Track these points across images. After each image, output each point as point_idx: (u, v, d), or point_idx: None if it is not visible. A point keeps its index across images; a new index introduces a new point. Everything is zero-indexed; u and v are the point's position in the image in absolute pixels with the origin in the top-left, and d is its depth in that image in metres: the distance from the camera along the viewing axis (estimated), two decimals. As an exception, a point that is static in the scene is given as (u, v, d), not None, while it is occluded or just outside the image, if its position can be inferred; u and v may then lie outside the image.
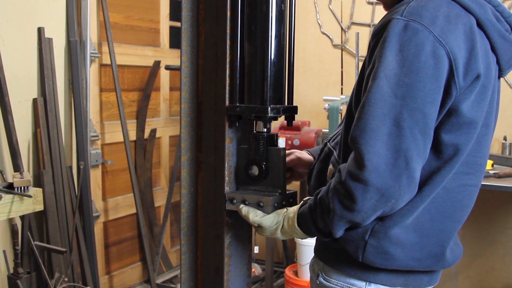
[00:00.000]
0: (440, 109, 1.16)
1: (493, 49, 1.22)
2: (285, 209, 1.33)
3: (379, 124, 1.10)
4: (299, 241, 3.28)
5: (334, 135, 1.45)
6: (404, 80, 1.11)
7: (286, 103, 1.41)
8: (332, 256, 1.30)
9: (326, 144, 1.46)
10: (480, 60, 1.16)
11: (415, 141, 1.11)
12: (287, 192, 1.38)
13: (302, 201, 1.32)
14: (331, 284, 1.31)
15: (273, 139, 1.37)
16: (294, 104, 1.42)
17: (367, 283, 1.27)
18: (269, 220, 1.33)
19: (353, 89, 1.30)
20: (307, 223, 1.26)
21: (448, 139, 1.19)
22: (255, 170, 1.36)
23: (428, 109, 1.12)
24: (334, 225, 1.19)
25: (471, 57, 1.15)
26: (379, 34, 1.17)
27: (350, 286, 1.28)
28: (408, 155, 1.10)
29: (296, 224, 1.28)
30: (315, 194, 1.26)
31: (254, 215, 1.34)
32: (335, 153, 1.38)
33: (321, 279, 1.33)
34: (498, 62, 1.25)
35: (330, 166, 1.38)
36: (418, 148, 1.12)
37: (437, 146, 1.20)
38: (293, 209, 1.31)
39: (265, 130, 1.36)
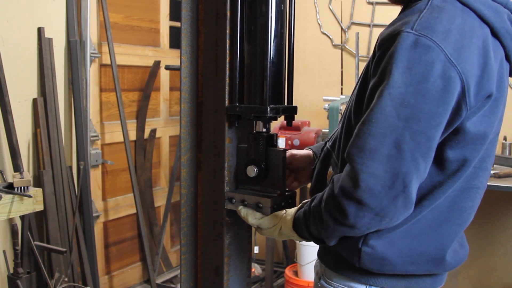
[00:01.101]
0: (447, 127, 1.11)
1: (507, 57, 1.18)
2: (284, 211, 1.33)
3: (378, 145, 1.06)
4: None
5: (332, 135, 1.42)
6: (409, 101, 1.05)
7: (285, 103, 1.40)
8: (333, 259, 1.30)
9: (325, 143, 1.43)
10: (492, 77, 1.12)
11: (415, 165, 1.07)
12: (287, 193, 1.38)
13: (300, 204, 1.32)
14: (332, 287, 1.31)
15: (272, 139, 1.37)
16: (294, 104, 1.42)
17: (368, 286, 1.26)
18: (267, 222, 1.33)
19: (353, 92, 1.27)
20: (302, 229, 1.25)
21: (454, 156, 1.15)
22: (254, 171, 1.35)
23: (432, 132, 1.07)
24: (326, 235, 1.19)
25: (483, 75, 1.10)
26: (387, 45, 1.10)
27: None
28: (406, 179, 1.06)
29: (292, 227, 1.28)
30: (310, 200, 1.25)
31: (253, 217, 1.34)
32: (334, 155, 1.35)
33: (322, 281, 1.33)
34: None
35: (330, 168, 1.36)
36: (418, 171, 1.08)
37: (441, 162, 1.16)
38: (291, 212, 1.30)
39: (264, 130, 1.36)
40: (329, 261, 1.31)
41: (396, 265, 1.21)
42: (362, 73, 1.25)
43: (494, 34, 1.14)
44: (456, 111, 1.09)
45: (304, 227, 1.24)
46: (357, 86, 1.24)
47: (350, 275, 1.26)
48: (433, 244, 1.23)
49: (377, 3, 3.80)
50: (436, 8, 1.10)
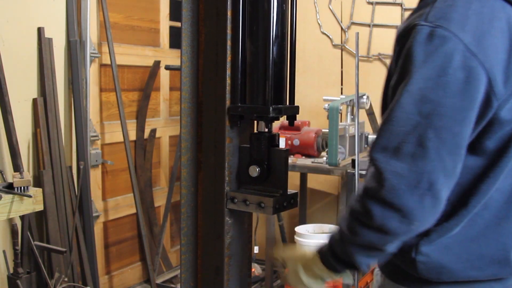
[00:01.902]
0: (479, 120, 1.05)
1: None
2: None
3: (401, 144, 1.02)
4: (299, 241, 3.27)
5: None
6: (429, 96, 1.00)
7: (287, 103, 1.40)
8: (391, 268, 1.23)
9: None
10: None
11: (441, 163, 1.02)
12: (289, 193, 1.38)
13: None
14: None
15: (274, 139, 1.37)
16: (295, 104, 1.42)
17: None
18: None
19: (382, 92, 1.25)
20: (327, 255, 1.17)
21: (493, 146, 1.09)
22: (256, 171, 1.35)
23: (457, 128, 1.02)
24: (356, 249, 1.11)
25: (511, 59, 1.04)
26: (403, 40, 1.07)
27: None
28: (432, 178, 1.01)
29: (315, 259, 1.20)
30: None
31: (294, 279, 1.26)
32: None
33: None
34: None
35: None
36: (445, 169, 1.02)
37: (480, 155, 1.10)
38: (311, 252, 1.24)
39: (266, 130, 1.36)
40: (388, 270, 1.25)
41: (456, 272, 1.13)
42: (387, 73, 1.21)
43: None
44: (486, 103, 1.03)
45: (329, 252, 1.16)
46: (383, 86, 1.22)
47: (411, 285, 1.19)
48: (493, 245, 1.14)
49: (377, 3, 3.80)
50: None
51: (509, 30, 1.05)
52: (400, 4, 3.71)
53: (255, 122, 1.43)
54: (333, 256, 1.16)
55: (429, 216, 1.04)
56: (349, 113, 3.39)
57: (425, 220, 1.05)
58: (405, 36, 1.06)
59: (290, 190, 1.40)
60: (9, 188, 2.17)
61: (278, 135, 1.39)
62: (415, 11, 1.12)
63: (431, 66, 1.00)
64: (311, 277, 1.23)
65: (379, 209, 1.03)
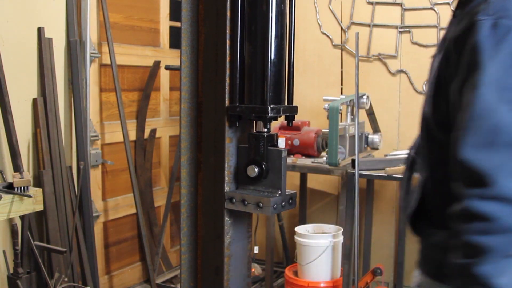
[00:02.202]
0: None
1: None
2: None
3: (494, 137, 0.99)
4: (299, 241, 3.28)
5: (415, 143, 1.39)
6: (509, 83, 1.01)
7: (286, 103, 1.40)
8: (436, 268, 1.18)
9: (410, 150, 1.40)
10: None
11: None
12: (287, 193, 1.38)
13: None
14: None
15: (273, 139, 1.37)
16: (294, 104, 1.42)
17: None
18: None
19: (429, 78, 1.22)
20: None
21: None
22: (255, 171, 1.35)
23: None
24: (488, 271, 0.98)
25: None
26: (463, 41, 1.07)
27: None
28: None
29: None
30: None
31: None
32: (419, 161, 1.30)
33: None
34: None
35: (415, 174, 1.31)
36: None
37: None
38: None
39: (265, 130, 1.36)
40: (431, 269, 1.20)
41: None
42: (434, 71, 1.20)
43: None
44: None
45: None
46: (430, 88, 1.20)
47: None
48: None
49: (377, 3, 3.80)
50: None
51: None
52: (400, 4, 3.71)
53: (254, 122, 1.43)
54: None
55: None
56: (349, 113, 3.39)
57: None
58: (464, 36, 1.07)
59: (289, 190, 1.40)
60: (9, 188, 2.17)
61: (277, 135, 1.39)
62: (462, 16, 1.14)
63: (503, 54, 1.02)
64: None
65: (499, 207, 0.97)
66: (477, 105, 1.02)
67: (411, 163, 1.36)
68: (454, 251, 1.03)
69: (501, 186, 0.97)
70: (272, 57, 1.32)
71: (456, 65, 1.09)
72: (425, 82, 1.30)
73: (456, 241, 1.02)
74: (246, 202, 1.35)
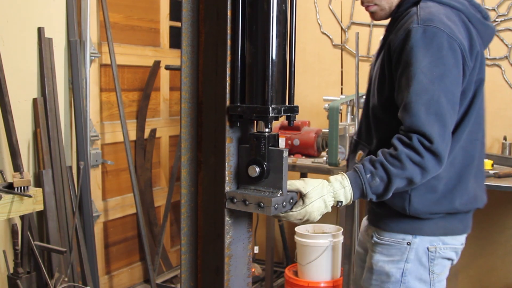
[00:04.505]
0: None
1: (476, 31, 1.57)
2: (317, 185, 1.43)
3: (428, 109, 1.41)
4: (299, 241, 3.28)
5: (357, 131, 1.79)
6: (435, 70, 1.42)
7: (287, 103, 1.40)
8: (384, 221, 1.63)
9: (352, 138, 1.80)
10: (475, 41, 1.53)
11: (451, 117, 1.45)
12: (288, 193, 1.38)
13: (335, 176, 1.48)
14: (384, 242, 1.63)
15: (274, 139, 1.37)
16: (294, 104, 1.42)
17: (414, 236, 1.58)
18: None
19: (373, 82, 1.64)
20: (363, 183, 1.44)
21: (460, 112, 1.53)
22: (256, 171, 1.35)
23: (456, 89, 1.46)
24: (394, 181, 1.42)
25: (471, 43, 1.51)
26: (403, 43, 1.47)
27: (401, 240, 1.60)
28: (449, 129, 1.45)
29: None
30: (358, 166, 1.47)
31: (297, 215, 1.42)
32: (362, 141, 1.69)
33: (375, 239, 1.65)
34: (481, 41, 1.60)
35: (359, 152, 1.69)
36: (452, 122, 1.47)
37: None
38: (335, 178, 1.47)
39: (266, 130, 1.36)
40: (380, 222, 1.64)
41: (444, 202, 1.56)
42: (376, 71, 1.61)
43: (464, 15, 1.55)
44: (463, 73, 1.48)
45: (367, 181, 1.44)
46: (375, 83, 1.60)
47: (399, 229, 1.60)
48: (470, 182, 1.62)
49: (377, 3, 3.80)
50: (425, 8, 1.50)
51: (465, 25, 1.52)
52: (400, 4, 3.71)
53: (255, 122, 1.43)
54: (369, 184, 1.44)
55: (447, 158, 1.46)
56: (349, 113, 3.39)
57: (445, 161, 1.46)
58: (404, 40, 1.47)
59: (290, 190, 1.40)
60: (9, 188, 2.17)
61: (278, 135, 1.39)
62: (400, 25, 1.53)
63: (431, 51, 1.43)
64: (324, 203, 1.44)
65: (431, 158, 1.42)
66: (416, 86, 1.43)
67: (354, 146, 1.73)
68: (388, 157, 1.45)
69: (437, 145, 1.41)
70: (273, 57, 1.32)
71: (398, 60, 1.47)
72: (370, 84, 1.73)
73: (393, 152, 1.45)
74: (247, 202, 1.35)
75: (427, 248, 1.59)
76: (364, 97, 1.74)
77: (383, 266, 1.62)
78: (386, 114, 1.57)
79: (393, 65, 1.50)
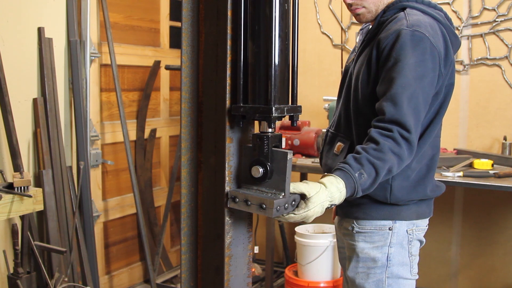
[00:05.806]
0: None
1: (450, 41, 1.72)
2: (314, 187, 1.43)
3: (410, 102, 1.55)
4: (299, 241, 3.28)
5: (331, 123, 1.90)
6: (418, 70, 1.58)
7: (290, 103, 1.40)
8: (363, 210, 1.73)
9: (328, 131, 1.90)
10: (450, 52, 1.69)
11: (423, 113, 1.60)
12: (290, 195, 1.37)
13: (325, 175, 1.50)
14: (366, 230, 1.73)
15: (277, 139, 1.36)
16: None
17: (394, 221, 1.72)
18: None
19: (355, 77, 1.73)
20: (354, 179, 1.48)
21: (430, 114, 1.69)
22: (259, 171, 1.34)
23: (430, 90, 1.62)
24: (381, 174, 1.50)
25: (447, 52, 1.67)
26: (391, 40, 1.61)
27: (382, 226, 1.72)
28: (420, 124, 1.59)
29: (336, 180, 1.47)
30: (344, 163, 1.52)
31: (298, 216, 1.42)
32: (340, 134, 1.79)
33: (357, 229, 1.74)
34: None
35: (339, 143, 1.79)
36: (422, 119, 1.60)
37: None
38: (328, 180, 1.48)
39: (269, 130, 1.35)
40: (359, 213, 1.74)
41: (420, 188, 1.72)
42: (360, 67, 1.72)
43: (442, 26, 1.71)
44: (438, 78, 1.64)
45: (358, 181, 1.49)
46: (359, 78, 1.70)
47: (379, 216, 1.71)
48: (433, 172, 1.80)
49: (377, 3, 3.79)
50: (412, 15, 1.66)
51: (443, 35, 1.68)
52: (400, 4, 3.71)
53: (257, 122, 1.42)
54: (360, 180, 1.50)
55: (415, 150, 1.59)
56: (349, 113, 3.39)
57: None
58: (393, 38, 1.61)
59: (292, 192, 1.40)
60: (9, 188, 2.17)
61: (281, 135, 1.39)
62: (389, 26, 1.67)
63: (417, 53, 1.58)
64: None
65: (408, 147, 1.54)
66: (402, 79, 1.56)
67: (331, 139, 1.84)
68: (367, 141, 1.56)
69: (413, 135, 1.54)
70: (276, 57, 1.32)
71: (387, 57, 1.61)
72: (350, 80, 1.82)
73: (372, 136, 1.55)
74: (249, 202, 1.34)
75: (406, 231, 1.73)
76: (343, 92, 1.84)
77: (368, 252, 1.73)
78: (368, 108, 1.68)
79: (380, 61, 1.64)
